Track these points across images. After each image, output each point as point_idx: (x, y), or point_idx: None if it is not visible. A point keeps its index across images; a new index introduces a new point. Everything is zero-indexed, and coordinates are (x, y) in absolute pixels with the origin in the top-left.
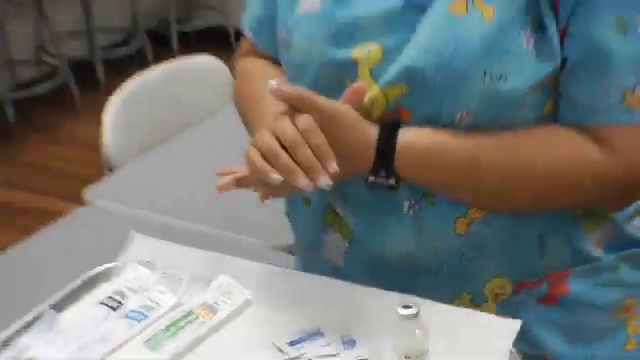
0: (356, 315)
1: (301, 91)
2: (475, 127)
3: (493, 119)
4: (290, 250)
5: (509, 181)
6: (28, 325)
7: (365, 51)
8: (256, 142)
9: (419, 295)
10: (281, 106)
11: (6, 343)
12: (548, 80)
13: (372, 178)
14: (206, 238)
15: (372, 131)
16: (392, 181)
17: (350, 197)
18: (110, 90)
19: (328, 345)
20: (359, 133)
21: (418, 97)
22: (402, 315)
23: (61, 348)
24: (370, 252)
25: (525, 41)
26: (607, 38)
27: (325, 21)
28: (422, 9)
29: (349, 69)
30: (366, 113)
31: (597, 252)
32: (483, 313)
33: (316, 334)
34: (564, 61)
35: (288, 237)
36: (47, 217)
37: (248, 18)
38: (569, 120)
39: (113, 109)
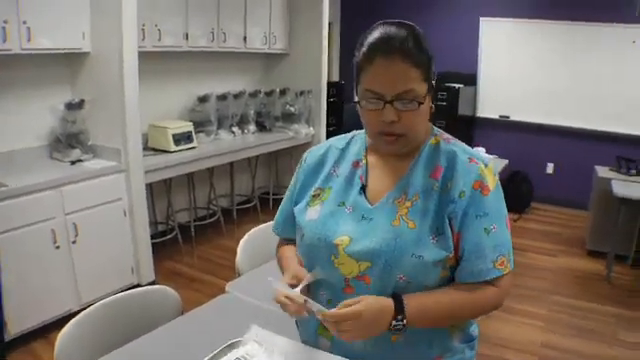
0: None
1: (346, 313)
2: (409, 283)
3: (417, 279)
4: None
5: (456, 313)
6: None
7: (340, 240)
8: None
9: None
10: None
11: None
12: (445, 260)
13: (394, 322)
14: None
15: (389, 301)
16: (402, 323)
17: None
18: (240, 224)
19: None
20: (384, 302)
21: (376, 269)
22: None
23: None
24: (344, 348)
25: (432, 239)
26: (481, 238)
27: (321, 225)
28: (371, 219)
29: (333, 249)
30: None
31: (456, 344)
32: None
33: None
34: (462, 250)
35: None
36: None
37: (274, 223)
38: (469, 280)
39: (243, 240)
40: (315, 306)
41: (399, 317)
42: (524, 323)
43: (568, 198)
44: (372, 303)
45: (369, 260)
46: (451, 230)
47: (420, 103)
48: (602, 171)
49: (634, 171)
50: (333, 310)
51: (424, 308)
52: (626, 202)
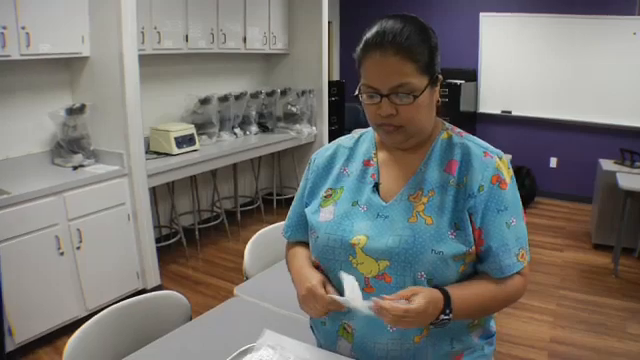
0: None
1: (413, 308)
2: (429, 280)
3: (437, 275)
4: None
5: (491, 304)
6: None
7: (357, 240)
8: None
9: None
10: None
11: None
12: (464, 254)
13: (442, 316)
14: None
15: (439, 293)
16: (448, 317)
17: (358, 322)
18: (244, 226)
19: None
20: (436, 295)
21: (396, 267)
22: None
23: None
24: (366, 350)
25: (450, 234)
26: (504, 233)
27: (336, 226)
28: (386, 217)
29: (351, 249)
30: (368, 274)
31: (476, 340)
32: None
33: None
34: (487, 247)
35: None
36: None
37: (285, 227)
38: (498, 275)
39: (250, 242)
40: (352, 301)
41: (447, 310)
42: (532, 319)
43: (572, 192)
44: (432, 296)
45: (388, 258)
46: (471, 225)
47: (416, 97)
48: (606, 164)
49: (639, 163)
50: (396, 303)
51: (465, 299)
52: (632, 195)
